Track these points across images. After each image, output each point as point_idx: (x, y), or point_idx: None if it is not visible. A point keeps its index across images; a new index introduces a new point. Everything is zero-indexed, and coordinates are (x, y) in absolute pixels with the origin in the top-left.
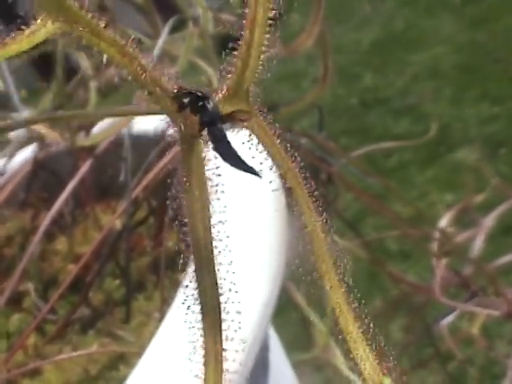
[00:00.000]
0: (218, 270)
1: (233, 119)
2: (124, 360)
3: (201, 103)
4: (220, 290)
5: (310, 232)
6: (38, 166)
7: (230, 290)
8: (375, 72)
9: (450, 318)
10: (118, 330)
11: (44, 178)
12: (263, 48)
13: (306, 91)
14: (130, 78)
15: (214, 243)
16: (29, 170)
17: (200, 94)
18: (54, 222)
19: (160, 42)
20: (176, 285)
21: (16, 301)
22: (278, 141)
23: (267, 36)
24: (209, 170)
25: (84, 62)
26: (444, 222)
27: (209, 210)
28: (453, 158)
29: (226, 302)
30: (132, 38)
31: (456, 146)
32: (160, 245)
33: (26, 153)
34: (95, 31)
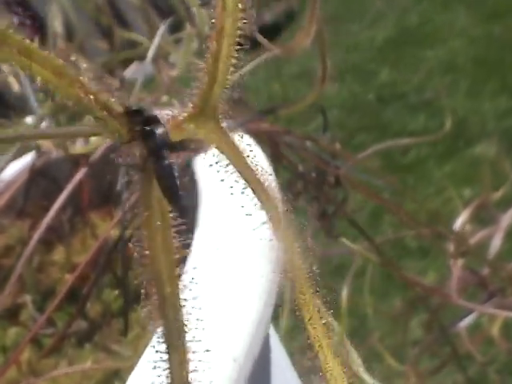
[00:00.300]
0: (187, 326)
1: (185, 148)
2: (119, 376)
3: (149, 128)
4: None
5: (288, 260)
6: (37, 174)
7: (199, 361)
8: (391, 68)
9: (468, 320)
10: (115, 344)
11: (44, 185)
12: (232, 60)
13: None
14: (71, 102)
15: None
16: (27, 178)
17: (150, 115)
18: (51, 231)
19: (154, 43)
20: None
21: (13, 313)
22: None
23: (236, 47)
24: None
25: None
26: (461, 220)
27: (175, 254)
28: (471, 153)
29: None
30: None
31: (474, 141)
32: None
33: (25, 160)
34: (26, 52)
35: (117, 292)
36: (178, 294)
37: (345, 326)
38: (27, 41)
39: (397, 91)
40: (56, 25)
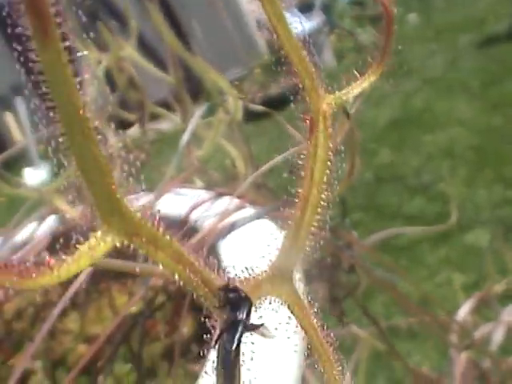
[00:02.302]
0: None
1: (256, 330)
2: None
3: (235, 309)
4: None
5: None
6: (58, 239)
7: None
8: (391, 149)
9: None
10: None
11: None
12: (312, 228)
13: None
14: (181, 281)
15: None
16: (48, 242)
17: (242, 296)
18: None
19: (189, 129)
20: (189, 375)
21: (22, 379)
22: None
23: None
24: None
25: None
26: (463, 311)
27: None
28: (464, 239)
29: None
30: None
31: (468, 227)
32: (174, 330)
33: (46, 224)
34: (154, 241)
35: (130, 366)
36: None
37: None
38: (156, 229)
39: (395, 172)
40: (88, 92)
